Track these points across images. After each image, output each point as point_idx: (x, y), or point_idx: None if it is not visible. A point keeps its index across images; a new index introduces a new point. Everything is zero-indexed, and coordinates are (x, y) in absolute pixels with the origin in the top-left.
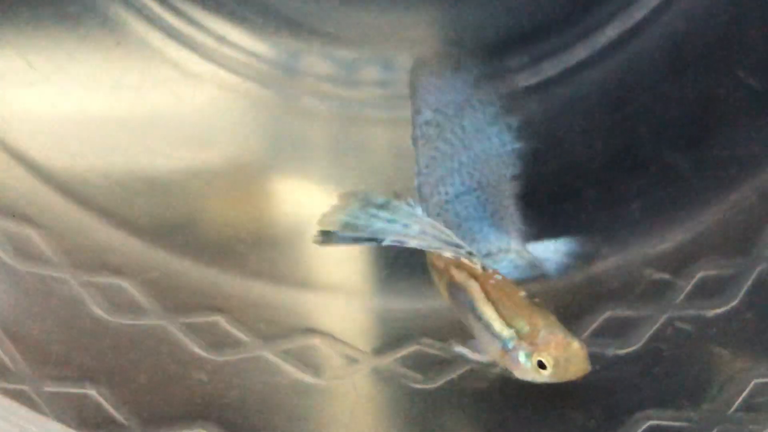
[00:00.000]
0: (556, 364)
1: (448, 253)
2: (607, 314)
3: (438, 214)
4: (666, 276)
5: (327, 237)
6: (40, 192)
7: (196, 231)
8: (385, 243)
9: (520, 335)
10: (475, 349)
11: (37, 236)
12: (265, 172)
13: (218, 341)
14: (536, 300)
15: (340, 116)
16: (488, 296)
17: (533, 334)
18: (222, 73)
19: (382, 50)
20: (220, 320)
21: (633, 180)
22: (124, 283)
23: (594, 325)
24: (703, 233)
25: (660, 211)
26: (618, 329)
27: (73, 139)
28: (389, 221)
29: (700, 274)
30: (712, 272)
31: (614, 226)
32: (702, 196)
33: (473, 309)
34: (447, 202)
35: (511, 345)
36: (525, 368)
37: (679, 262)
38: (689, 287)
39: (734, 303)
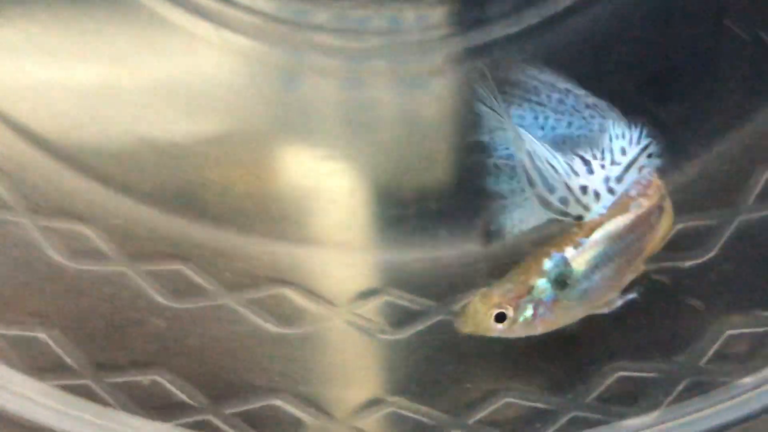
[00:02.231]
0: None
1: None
2: None
3: None
4: None
5: None
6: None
7: (166, 179)
8: None
9: None
10: None
11: None
12: (264, 132)
13: (181, 289)
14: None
15: (347, 73)
16: None
17: None
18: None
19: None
20: (184, 268)
21: None
22: (86, 230)
23: None
24: (686, 185)
25: None
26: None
27: (59, 101)
28: None
29: (679, 226)
30: (691, 224)
31: None
32: (686, 148)
33: None
34: None
35: None
36: None
37: None
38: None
39: (712, 254)
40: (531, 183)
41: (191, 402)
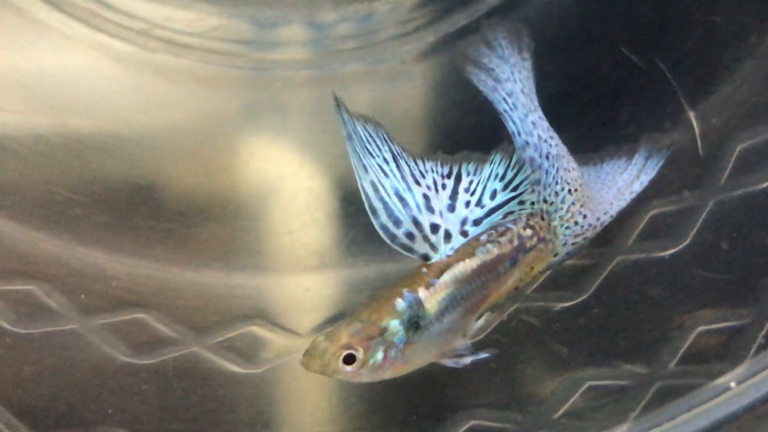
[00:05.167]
0: None
1: None
2: None
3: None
4: None
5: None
6: None
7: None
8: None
9: None
10: None
11: None
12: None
13: (28, 313)
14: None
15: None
16: None
17: None
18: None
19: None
20: (35, 289)
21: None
22: None
23: None
24: None
25: None
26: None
27: None
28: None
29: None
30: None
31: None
32: None
33: None
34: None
35: None
36: None
37: None
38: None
39: (585, 296)
40: (373, 213)
41: None
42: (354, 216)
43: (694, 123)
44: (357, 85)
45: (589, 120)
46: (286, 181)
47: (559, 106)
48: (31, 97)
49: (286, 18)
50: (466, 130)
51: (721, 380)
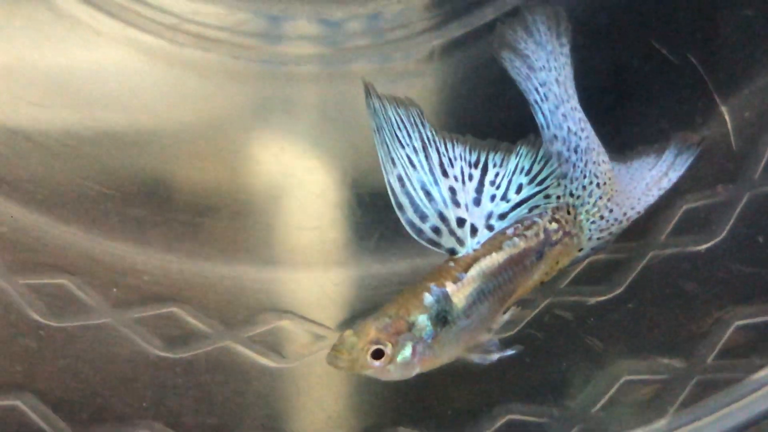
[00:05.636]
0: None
1: None
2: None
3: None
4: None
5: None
6: None
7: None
8: None
9: None
10: None
11: None
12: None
13: (61, 306)
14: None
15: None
16: None
17: None
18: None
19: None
20: (67, 283)
21: None
22: None
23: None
24: None
25: None
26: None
27: None
28: None
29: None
30: (602, 257)
31: None
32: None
33: None
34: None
35: None
36: None
37: None
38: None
39: (619, 291)
40: (400, 208)
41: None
42: (384, 210)
43: (727, 117)
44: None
45: (620, 115)
46: (317, 175)
47: (589, 100)
48: (61, 91)
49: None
50: (475, 130)
51: (760, 374)
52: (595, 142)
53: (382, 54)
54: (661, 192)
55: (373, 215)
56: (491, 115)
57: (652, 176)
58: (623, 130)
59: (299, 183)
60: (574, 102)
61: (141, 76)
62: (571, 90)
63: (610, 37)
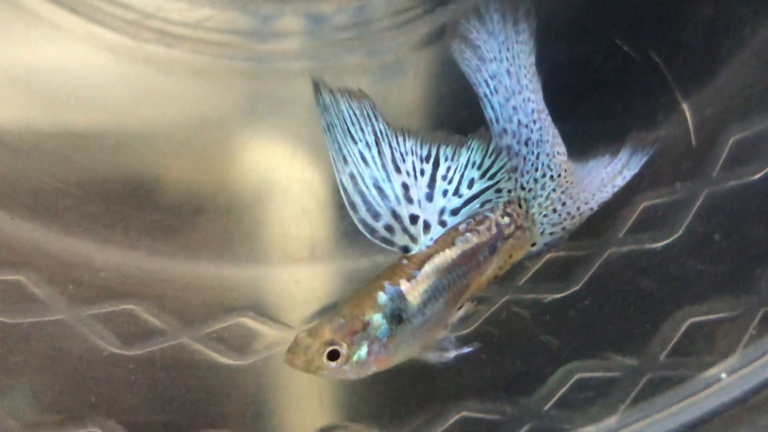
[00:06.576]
0: None
1: None
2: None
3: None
4: None
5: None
6: None
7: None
8: None
9: None
10: None
11: None
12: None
13: (15, 302)
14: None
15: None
16: None
17: None
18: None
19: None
20: (23, 279)
21: None
22: None
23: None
24: None
25: None
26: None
27: None
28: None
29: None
30: (561, 254)
31: None
32: None
33: None
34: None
35: None
36: None
37: None
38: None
39: (576, 288)
40: (352, 207)
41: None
42: (346, 207)
43: (688, 115)
44: (352, 76)
45: (582, 111)
46: (279, 173)
47: (551, 96)
48: (22, 87)
49: (279, 9)
50: (461, 122)
51: (711, 372)
52: (549, 134)
53: (370, 46)
54: (615, 189)
55: (337, 212)
56: (478, 107)
57: (608, 173)
58: (585, 126)
59: (262, 180)
60: (528, 92)
61: (104, 73)
62: (526, 80)
63: (572, 33)
